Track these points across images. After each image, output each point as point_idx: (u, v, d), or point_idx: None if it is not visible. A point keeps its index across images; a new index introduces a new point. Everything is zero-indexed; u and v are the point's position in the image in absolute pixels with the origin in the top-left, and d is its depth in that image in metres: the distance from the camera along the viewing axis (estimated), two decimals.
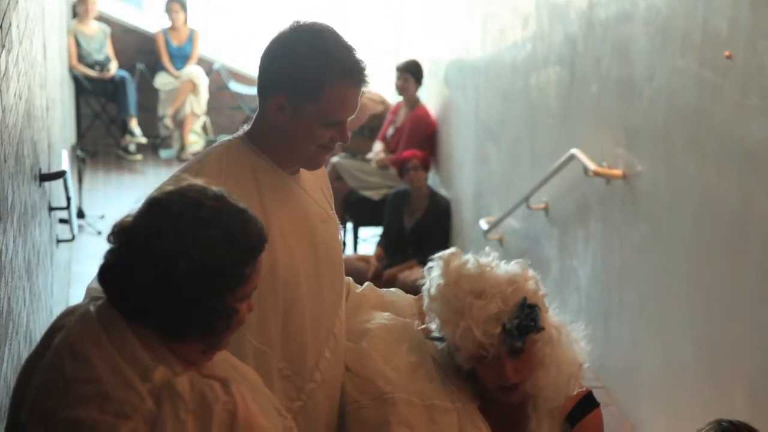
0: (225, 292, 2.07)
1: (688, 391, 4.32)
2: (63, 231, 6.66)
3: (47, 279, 5.24)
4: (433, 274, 2.78)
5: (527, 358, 2.66)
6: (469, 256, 2.77)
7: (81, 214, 8.46)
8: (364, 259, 8.34)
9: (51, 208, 5.69)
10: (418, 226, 8.07)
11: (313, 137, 2.53)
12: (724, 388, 3.99)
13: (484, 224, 6.94)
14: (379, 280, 7.99)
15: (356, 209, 8.81)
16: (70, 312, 2.17)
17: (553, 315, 2.79)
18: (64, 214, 6.11)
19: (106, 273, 2.09)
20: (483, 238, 6.97)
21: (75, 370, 2.00)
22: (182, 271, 2.02)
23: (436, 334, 2.76)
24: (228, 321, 2.10)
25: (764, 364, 3.71)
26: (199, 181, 2.13)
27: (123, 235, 2.09)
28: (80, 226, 8.19)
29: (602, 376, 5.27)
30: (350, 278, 2.99)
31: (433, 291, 2.74)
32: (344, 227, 8.97)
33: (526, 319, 2.64)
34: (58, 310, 4.89)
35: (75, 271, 7.20)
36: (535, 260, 6.26)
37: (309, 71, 2.47)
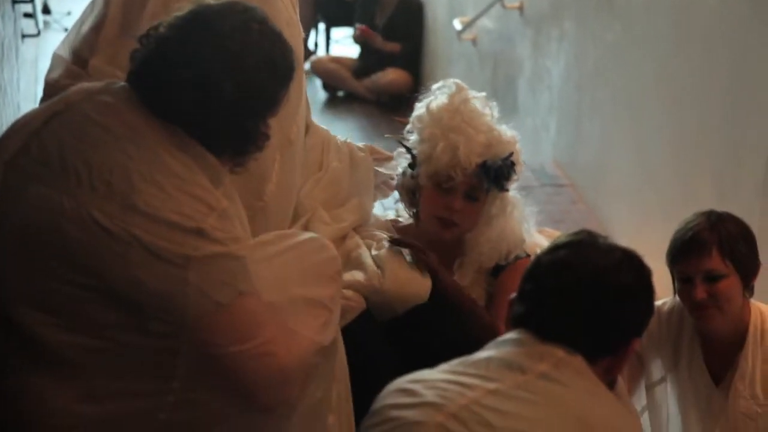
0: (262, 115, 2.09)
1: (656, 189, 4.40)
2: (28, 26, 6.54)
3: (13, 74, 5.18)
4: (440, 94, 2.78)
5: (477, 209, 2.74)
6: (476, 94, 2.80)
7: (47, 10, 8.30)
8: (337, 60, 8.27)
9: (14, 1, 5.57)
10: (390, 23, 7.99)
11: None
12: (692, 185, 4.06)
13: (457, 24, 6.86)
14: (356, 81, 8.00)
15: (327, 9, 8.66)
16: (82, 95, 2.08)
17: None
18: (28, 8, 5.98)
19: (140, 79, 2.05)
20: (456, 38, 6.91)
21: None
22: (225, 94, 2.01)
23: (408, 144, 2.80)
24: (259, 143, 2.12)
25: (731, 161, 3.76)
26: None
27: (160, 43, 2.04)
28: (46, 23, 8.05)
29: (571, 174, 5.33)
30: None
31: (433, 106, 2.76)
32: (316, 29, 8.86)
33: (506, 169, 2.70)
34: (26, 107, 4.86)
35: (42, 68, 7.10)
36: (509, 60, 6.24)
37: None
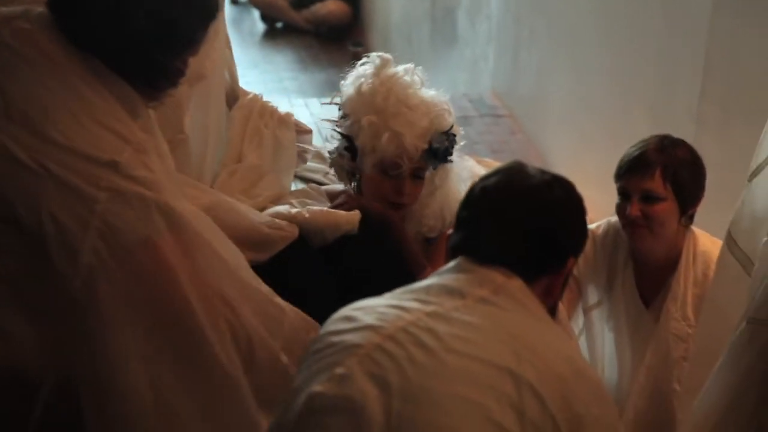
0: (174, 50, 2.07)
1: (593, 118, 4.45)
2: None
3: None
4: (364, 72, 2.75)
5: (422, 184, 2.72)
6: (402, 68, 2.76)
7: None
8: None
9: None
10: None
11: None
12: (628, 115, 4.11)
13: None
14: None
15: None
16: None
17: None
18: None
19: (57, 5, 2.02)
20: None
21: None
22: (138, 25, 1.99)
23: (342, 131, 2.77)
24: (171, 79, 2.11)
25: (666, 92, 3.82)
26: None
27: None
28: None
29: (510, 104, 5.37)
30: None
31: (364, 87, 2.72)
32: None
33: (451, 144, 2.70)
34: None
35: None
36: None
37: None
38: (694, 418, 2.50)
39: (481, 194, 1.78)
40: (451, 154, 2.73)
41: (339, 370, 1.58)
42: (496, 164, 4.69)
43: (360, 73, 2.77)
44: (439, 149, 2.68)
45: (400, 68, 2.76)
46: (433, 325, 1.61)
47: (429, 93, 2.74)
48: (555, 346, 1.66)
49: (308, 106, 5.40)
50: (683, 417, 2.59)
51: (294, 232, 2.54)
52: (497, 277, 1.70)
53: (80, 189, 1.89)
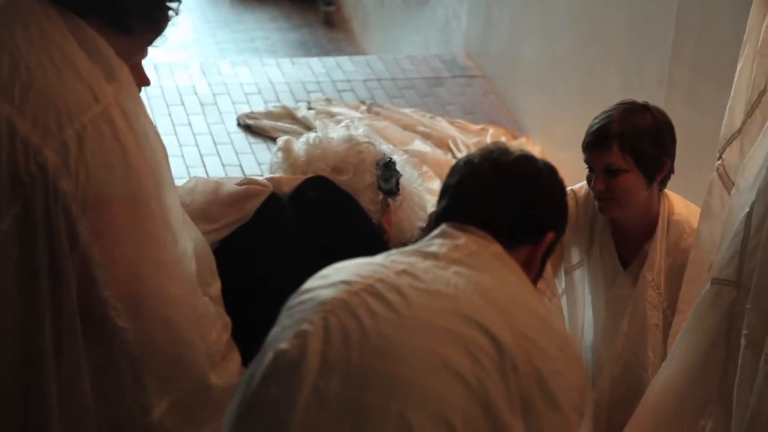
0: None
1: (565, 79, 4.46)
2: None
3: None
4: (280, 162, 2.83)
5: (391, 210, 2.81)
6: (304, 137, 2.84)
7: None
8: None
9: None
10: None
11: None
12: (599, 77, 4.12)
13: None
14: None
15: None
16: None
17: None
18: None
19: None
20: None
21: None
22: None
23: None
24: (152, 21, 2.04)
25: (637, 53, 3.83)
26: None
27: None
28: None
29: (483, 65, 5.37)
30: None
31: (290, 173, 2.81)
32: None
33: (392, 174, 2.78)
34: None
35: None
36: None
37: None
38: (661, 380, 2.53)
39: (465, 163, 1.80)
40: (398, 173, 2.82)
41: (305, 327, 1.60)
42: (469, 126, 4.74)
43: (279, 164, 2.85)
44: (392, 188, 2.78)
45: (302, 139, 2.86)
46: (400, 281, 1.63)
47: (338, 135, 2.82)
48: (526, 302, 1.67)
49: (280, 66, 5.38)
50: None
51: (269, 187, 2.59)
52: (476, 240, 1.72)
53: (37, 144, 1.86)
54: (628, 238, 2.80)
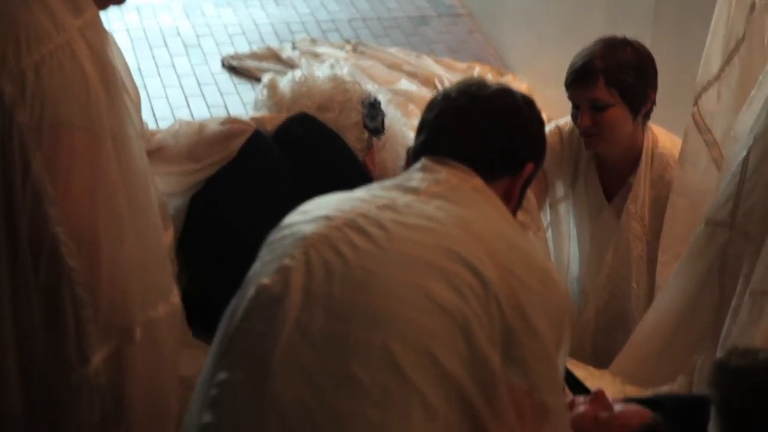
0: None
1: (550, 16, 4.43)
2: None
3: None
4: (264, 100, 2.85)
5: (375, 149, 2.85)
6: (289, 75, 2.86)
7: None
8: None
9: None
10: None
11: None
12: (585, 12, 4.10)
13: None
14: None
15: None
16: None
17: None
18: None
19: None
20: None
21: None
22: None
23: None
24: None
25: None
26: None
27: None
28: None
29: (468, 3, 5.33)
30: None
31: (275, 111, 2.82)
32: None
33: (378, 113, 2.82)
34: None
35: None
36: None
37: None
38: (652, 317, 2.55)
39: (443, 98, 1.80)
40: (383, 113, 2.84)
41: (286, 262, 1.60)
42: (455, 64, 4.72)
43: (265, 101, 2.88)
44: (377, 127, 2.82)
45: (287, 77, 2.90)
46: (381, 215, 1.63)
47: (323, 74, 2.86)
48: (508, 235, 1.67)
49: (264, 6, 5.33)
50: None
51: (252, 124, 2.60)
52: (456, 174, 1.72)
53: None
54: (612, 171, 2.82)
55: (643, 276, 2.78)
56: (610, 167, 2.81)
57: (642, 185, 2.75)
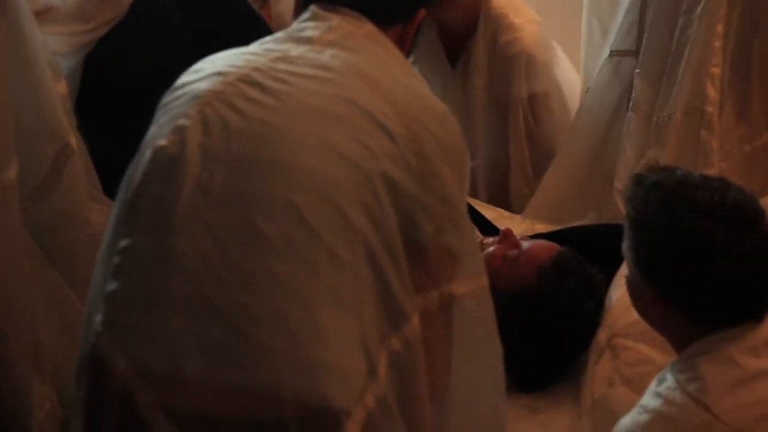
0: None
1: None
2: None
3: None
4: None
5: (271, 2, 2.87)
6: None
7: None
8: None
9: None
10: None
11: None
12: None
13: None
14: None
15: None
16: None
17: None
18: None
19: None
20: None
21: None
22: None
23: None
24: None
25: None
26: None
27: None
28: None
29: None
30: None
31: None
32: None
33: None
34: None
35: None
36: None
37: None
38: (565, 158, 2.57)
39: None
40: None
41: (182, 122, 1.56)
42: None
43: None
44: None
45: None
46: (276, 68, 1.59)
47: None
48: (404, 81, 1.65)
49: None
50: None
51: None
52: (349, 21, 1.68)
53: None
54: (452, 35, 2.83)
55: None
56: (450, 32, 2.83)
57: (480, 51, 2.76)
